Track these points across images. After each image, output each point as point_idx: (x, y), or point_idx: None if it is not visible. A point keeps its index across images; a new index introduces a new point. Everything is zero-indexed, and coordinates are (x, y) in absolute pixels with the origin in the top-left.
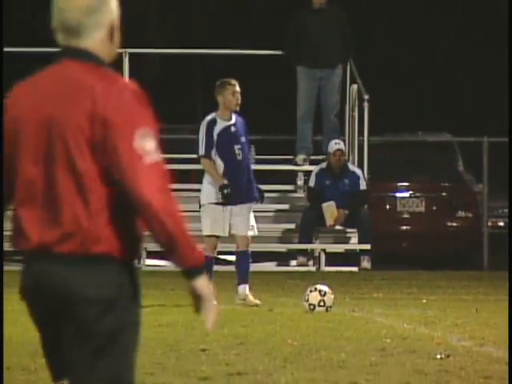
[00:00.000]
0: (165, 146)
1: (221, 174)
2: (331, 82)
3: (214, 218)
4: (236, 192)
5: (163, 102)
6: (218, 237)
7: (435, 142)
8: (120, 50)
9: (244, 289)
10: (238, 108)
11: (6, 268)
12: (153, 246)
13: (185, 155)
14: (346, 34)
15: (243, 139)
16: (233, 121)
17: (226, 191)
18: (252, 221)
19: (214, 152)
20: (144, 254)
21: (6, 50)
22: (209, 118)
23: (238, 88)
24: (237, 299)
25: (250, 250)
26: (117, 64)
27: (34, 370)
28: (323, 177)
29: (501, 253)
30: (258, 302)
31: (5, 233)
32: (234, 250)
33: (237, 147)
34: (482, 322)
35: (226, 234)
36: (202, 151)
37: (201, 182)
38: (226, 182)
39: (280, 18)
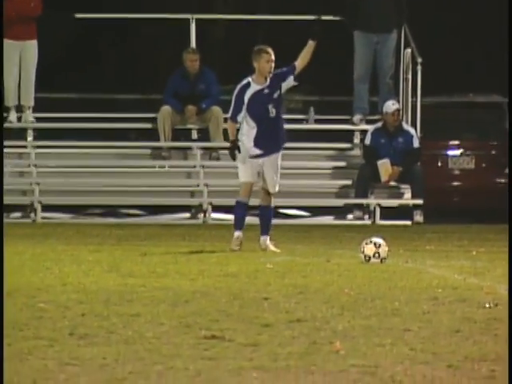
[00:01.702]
0: (228, 105)
1: (254, 132)
2: (387, 46)
3: (246, 167)
4: (270, 144)
5: (228, 66)
6: (251, 184)
7: (485, 102)
8: (187, 16)
9: (265, 239)
10: (271, 75)
11: (82, 221)
12: (217, 201)
13: None
14: (401, 1)
15: (276, 95)
16: (267, 83)
17: (234, 147)
18: (278, 176)
19: (242, 115)
20: (209, 208)
21: None
22: (244, 82)
23: (273, 57)
24: (259, 248)
25: (312, 204)
26: (184, 28)
27: (107, 316)
28: (378, 136)
29: None
30: (278, 250)
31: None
32: (292, 204)
33: (270, 106)
34: None
35: (255, 180)
36: (229, 114)
37: None
38: (236, 138)
39: None
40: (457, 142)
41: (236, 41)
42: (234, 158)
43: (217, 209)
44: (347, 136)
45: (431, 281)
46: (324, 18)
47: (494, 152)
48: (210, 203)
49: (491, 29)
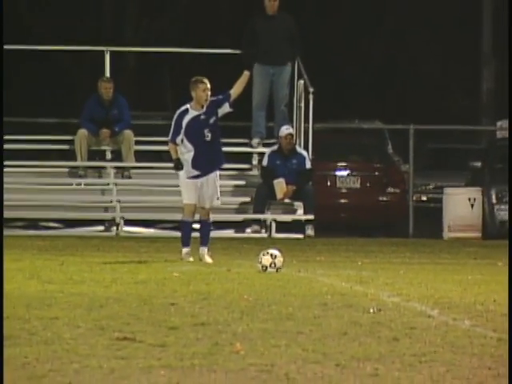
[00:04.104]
0: (140, 129)
1: (192, 155)
2: (282, 77)
3: (188, 189)
4: (207, 166)
5: (138, 93)
6: (195, 205)
7: (369, 128)
8: (102, 48)
9: (203, 250)
10: (207, 103)
11: (5, 233)
12: (129, 216)
13: (157, 138)
14: (295, 37)
15: (212, 121)
16: (203, 110)
17: (177, 164)
18: (218, 192)
19: (180, 138)
20: (122, 222)
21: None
22: (183, 108)
23: (208, 86)
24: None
25: (213, 219)
26: (99, 60)
27: (28, 319)
28: (275, 157)
29: (423, 223)
30: (211, 261)
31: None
32: (197, 219)
33: (206, 131)
34: (407, 281)
35: (197, 202)
36: (169, 137)
37: (171, 161)
38: (178, 157)
39: (240, 23)
40: (344, 164)
41: (146, 70)
42: (179, 170)
43: (128, 223)
44: (246, 158)
45: (321, 288)
46: (225, 51)
47: (377, 173)
48: (122, 217)
49: (376, 63)
